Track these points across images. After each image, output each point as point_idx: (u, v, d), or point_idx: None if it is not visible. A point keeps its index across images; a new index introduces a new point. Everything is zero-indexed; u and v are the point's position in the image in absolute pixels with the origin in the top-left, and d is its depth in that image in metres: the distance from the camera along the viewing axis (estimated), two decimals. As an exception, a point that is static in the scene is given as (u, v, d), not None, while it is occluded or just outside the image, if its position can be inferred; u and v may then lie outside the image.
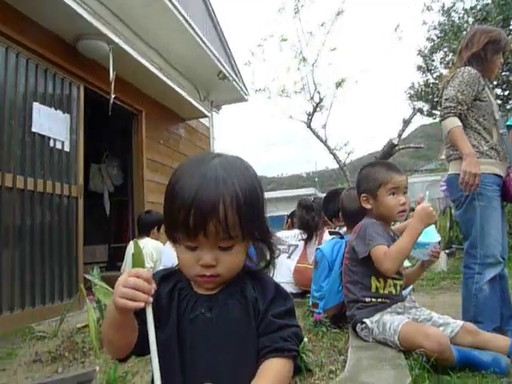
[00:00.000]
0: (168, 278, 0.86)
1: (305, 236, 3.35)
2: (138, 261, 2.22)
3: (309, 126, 6.43)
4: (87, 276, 2.11)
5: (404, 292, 2.02)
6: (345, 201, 2.47)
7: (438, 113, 7.24)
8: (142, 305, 0.70)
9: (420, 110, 7.00)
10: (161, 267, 3.20)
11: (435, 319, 1.79)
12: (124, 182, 6.06)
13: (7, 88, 3.31)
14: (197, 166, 0.77)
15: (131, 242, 4.03)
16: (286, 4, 6.63)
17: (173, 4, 4.86)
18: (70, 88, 4.07)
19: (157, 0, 4.65)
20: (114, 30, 4.12)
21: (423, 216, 1.70)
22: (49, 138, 3.71)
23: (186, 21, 5.21)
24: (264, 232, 0.82)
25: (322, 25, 6.40)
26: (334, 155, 6.25)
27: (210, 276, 0.77)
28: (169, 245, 0.87)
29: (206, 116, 6.69)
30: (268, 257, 0.86)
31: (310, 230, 3.29)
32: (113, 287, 0.77)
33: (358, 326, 1.78)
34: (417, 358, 1.46)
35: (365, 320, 1.74)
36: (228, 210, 0.71)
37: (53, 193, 3.67)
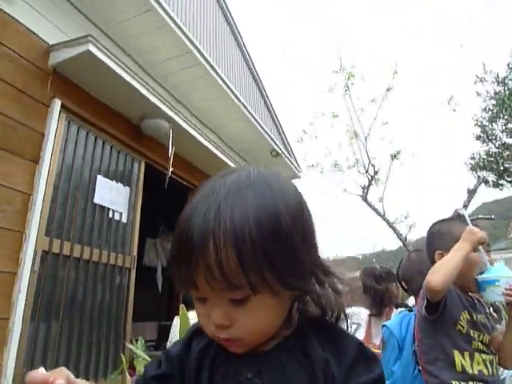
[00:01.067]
0: (201, 333, 0.64)
1: (372, 311, 2.97)
2: (183, 334, 2.01)
3: (365, 200, 6.22)
4: (129, 345, 1.94)
5: (502, 375, 1.62)
6: (405, 268, 2.20)
7: (505, 183, 6.78)
8: None
9: (485, 181, 6.59)
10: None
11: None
12: (177, 256, 6.06)
13: (76, 161, 3.56)
14: (208, 185, 0.59)
15: (176, 318, 3.84)
16: (336, 83, 6.91)
17: (230, 89, 5.24)
18: (132, 163, 4.31)
19: (216, 86, 5.05)
20: (174, 110, 4.44)
21: (466, 236, 1.49)
22: (108, 209, 3.85)
23: (242, 104, 5.56)
24: (301, 280, 0.56)
25: (373, 101, 6.53)
26: (394, 229, 5.89)
27: (227, 339, 0.56)
28: None
29: (259, 192, 6.74)
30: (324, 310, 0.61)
31: (382, 304, 2.91)
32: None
33: (450, 421, 1.40)
34: None
35: (458, 413, 1.37)
36: (221, 251, 0.51)
37: (107, 263, 3.69)
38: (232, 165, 5.60)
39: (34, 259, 2.94)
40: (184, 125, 4.55)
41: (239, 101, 5.45)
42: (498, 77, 7.33)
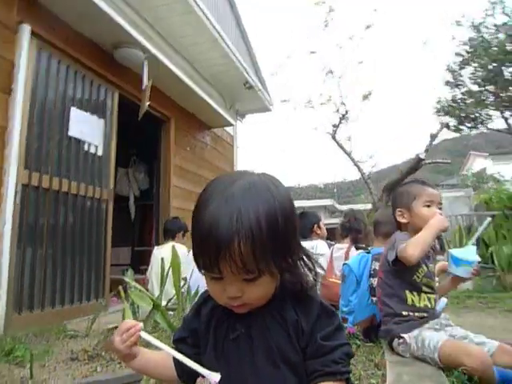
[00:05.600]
0: (209, 300, 0.87)
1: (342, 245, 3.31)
2: (175, 265, 2.26)
3: (333, 138, 6.44)
4: (125, 278, 2.16)
5: (438, 308, 2.00)
6: (382, 213, 2.51)
7: (464, 128, 7.18)
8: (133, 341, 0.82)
9: (447, 126, 6.92)
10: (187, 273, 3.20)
11: (471, 338, 1.77)
12: (149, 187, 6.18)
13: (49, 92, 3.44)
14: (218, 191, 0.74)
15: (156, 248, 4.09)
16: (316, 17, 6.69)
17: (205, 16, 4.97)
18: (105, 94, 4.20)
19: (191, 12, 4.77)
20: (148, 39, 4.25)
21: (437, 223, 1.78)
22: (84, 142, 3.83)
23: (218, 32, 5.32)
24: (289, 264, 0.76)
25: (351, 38, 6.45)
26: (359, 168, 6.24)
27: (238, 305, 0.77)
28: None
29: (231, 125, 6.78)
30: (301, 284, 0.80)
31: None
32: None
33: (395, 341, 1.77)
34: (458, 376, 1.45)
35: (403, 335, 1.73)
36: (243, 247, 0.68)
37: (85, 195, 3.78)
38: (207, 99, 5.54)
39: (15, 193, 2.99)
40: (159, 55, 4.40)
41: (215, 30, 5.22)
42: (473, 22, 7.34)
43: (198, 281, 2.88)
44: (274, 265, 0.73)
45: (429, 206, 1.89)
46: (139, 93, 4.36)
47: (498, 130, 8.37)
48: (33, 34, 3.22)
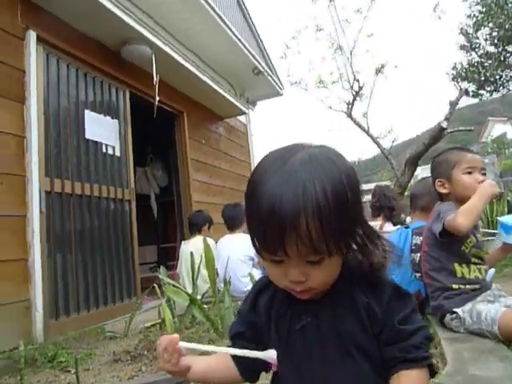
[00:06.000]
0: (265, 290, 0.80)
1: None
2: (209, 258, 2.21)
3: (349, 116, 6.28)
4: (160, 275, 2.13)
5: (488, 279, 1.91)
6: (419, 186, 2.41)
7: (484, 92, 6.88)
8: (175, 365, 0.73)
9: (466, 91, 6.62)
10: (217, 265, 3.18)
11: (527, 307, 1.68)
12: (168, 183, 6.16)
13: (61, 97, 3.42)
14: (276, 166, 0.66)
15: (183, 243, 4.07)
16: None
17: (208, 4, 4.87)
18: (116, 94, 4.16)
19: (192, 0, 4.68)
20: (154, 34, 4.17)
21: (490, 189, 1.67)
22: (101, 144, 3.82)
23: (222, 19, 5.21)
24: (357, 242, 0.70)
25: (358, 10, 6.24)
26: (378, 144, 6.07)
27: (301, 290, 0.69)
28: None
29: (243, 113, 6.69)
30: (371, 264, 0.72)
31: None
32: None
33: (448, 317, 1.69)
34: (523, 349, 1.36)
35: (456, 310, 1.65)
36: (310, 224, 0.60)
37: (108, 197, 3.77)
38: (217, 89, 5.46)
39: (40, 200, 2.99)
40: (167, 49, 4.33)
41: (220, 18, 5.12)
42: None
43: (230, 271, 2.85)
44: (344, 242, 0.65)
45: (470, 173, 1.78)
46: (150, 89, 4.31)
47: (521, 91, 8.03)
48: (38, 39, 3.18)
